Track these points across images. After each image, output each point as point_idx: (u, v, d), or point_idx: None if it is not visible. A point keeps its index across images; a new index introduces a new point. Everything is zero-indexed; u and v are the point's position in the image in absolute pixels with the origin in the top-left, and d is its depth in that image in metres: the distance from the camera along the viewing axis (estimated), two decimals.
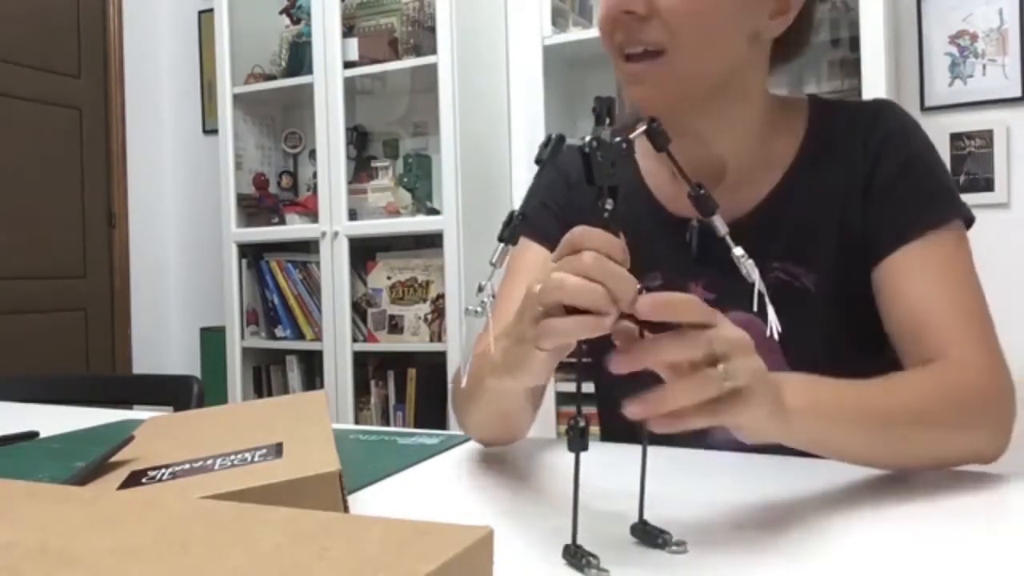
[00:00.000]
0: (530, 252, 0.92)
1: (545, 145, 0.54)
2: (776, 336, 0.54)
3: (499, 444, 0.86)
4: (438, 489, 0.75)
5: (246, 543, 0.36)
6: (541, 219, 0.91)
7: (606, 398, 0.97)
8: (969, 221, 0.82)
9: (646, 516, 0.56)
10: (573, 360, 0.55)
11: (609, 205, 0.52)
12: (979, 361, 0.73)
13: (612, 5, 0.77)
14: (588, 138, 0.52)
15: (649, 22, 0.76)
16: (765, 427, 0.56)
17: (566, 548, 0.52)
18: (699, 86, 0.80)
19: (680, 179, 0.88)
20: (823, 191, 0.84)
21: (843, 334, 0.83)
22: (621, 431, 0.87)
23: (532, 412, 0.81)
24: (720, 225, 0.56)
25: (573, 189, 0.94)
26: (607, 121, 0.53)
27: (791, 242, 0.84)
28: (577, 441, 0.50)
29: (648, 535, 0.55)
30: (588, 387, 0.99)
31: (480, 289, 0.52)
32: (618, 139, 0.52)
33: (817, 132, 0.86)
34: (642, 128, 0.56)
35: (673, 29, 0.76)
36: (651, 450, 0.57)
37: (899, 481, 0.68)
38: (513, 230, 0.52)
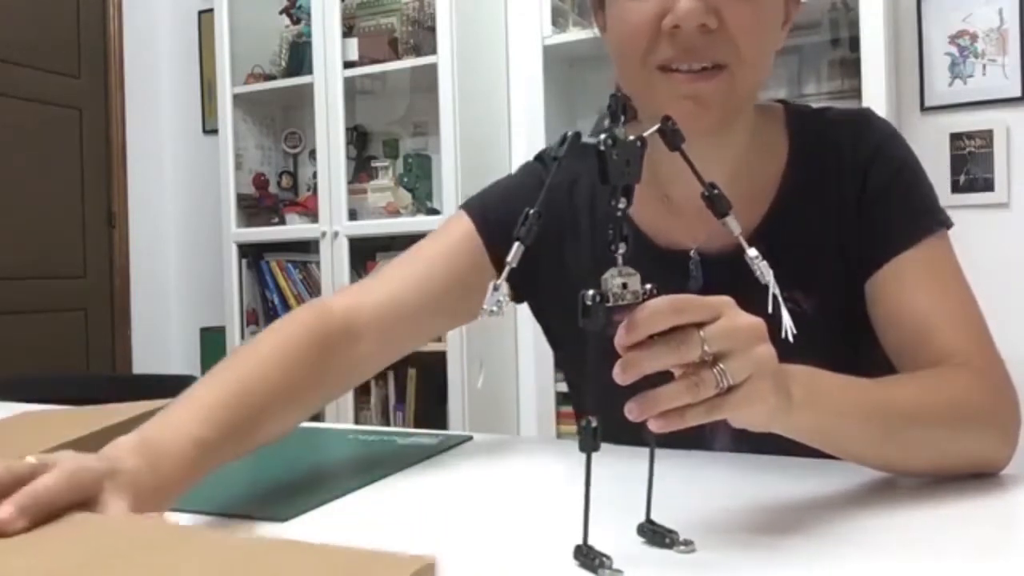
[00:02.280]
0: (460, 234, 0.91)
1: (561, 143, 0.53)
2: (791, 338, 0.54)
3: None
4: (438, 489, 0.75)
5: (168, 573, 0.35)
6: (505, 220, 0.78)
7: (596, 396, 0.96)
8: (949, 227, 0.82)
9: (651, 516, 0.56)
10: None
11: (622, 204, 0.52)
12: (982, 368, 0.73)
13: (683, 16, 0.72)
14: (603, 136, 0.51)
15: (715, 37, 0.73)
16: (766, 418, 0.55)
17: (577, 548, 0.52)
18: (746, 104, 0.79)
19: (667, 205, 0.87)
20: (816, 213, 0.83)
21: (844, 356, 0.82)
22: (611, 431, 0.86)
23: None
24: (734, 226, 0.55)
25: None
26: (622, 119, 0.52)
27: (789, 268, 0.82)
28: (589, 441, 0.50)
29: (655, 535, 0.55)
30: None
31: (495, 288, 0.51)
32: (632, 137, 0.52)
33: (801, 152, 0.85)
34: (656, 126, 0.55)
35: (739, 45, 0.73)
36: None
37: (906, 483, 0.68)
38: (529, 229, 0.51)
